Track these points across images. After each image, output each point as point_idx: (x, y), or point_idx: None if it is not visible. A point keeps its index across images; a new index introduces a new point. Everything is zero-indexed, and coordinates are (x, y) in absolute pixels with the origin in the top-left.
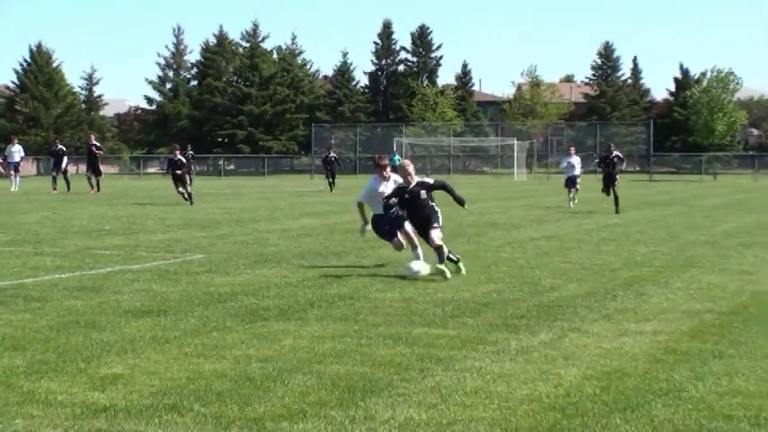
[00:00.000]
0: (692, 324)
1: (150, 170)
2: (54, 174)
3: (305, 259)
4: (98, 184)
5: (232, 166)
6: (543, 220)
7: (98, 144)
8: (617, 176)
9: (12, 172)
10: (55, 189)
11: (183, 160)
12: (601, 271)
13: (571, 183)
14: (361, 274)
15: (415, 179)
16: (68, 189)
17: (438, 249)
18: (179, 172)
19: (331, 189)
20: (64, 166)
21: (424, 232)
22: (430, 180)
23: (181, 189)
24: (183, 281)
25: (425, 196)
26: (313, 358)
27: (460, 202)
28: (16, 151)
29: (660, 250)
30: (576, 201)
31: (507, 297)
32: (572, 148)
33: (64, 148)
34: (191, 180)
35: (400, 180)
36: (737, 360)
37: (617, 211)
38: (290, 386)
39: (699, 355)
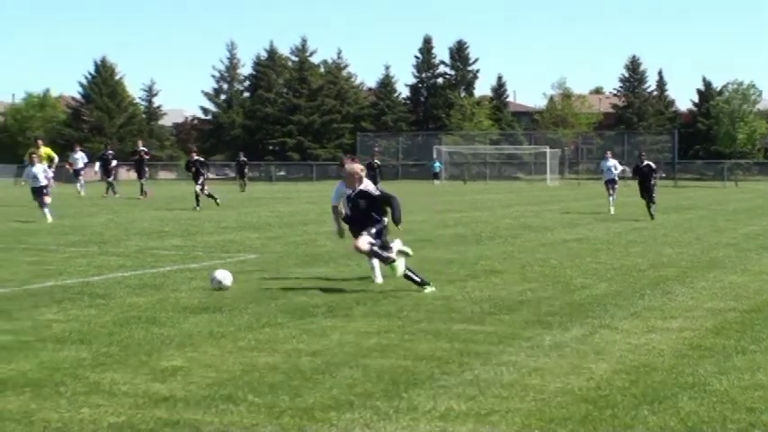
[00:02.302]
0: (715, 321)
1: (207, 176)
2: (107, 179)
3: (351, 259)
4: (141, 188)
5: (282, 173)
6: (575, 223)
7: (145, 149)
8: (653, 184)
9: (79, 177)
10: (108, 192)
11: (200, 161)
12: (629, 271)
13: (610, 185)
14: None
15: (360, 187)
16: (114, 193)
17: (368, 254)
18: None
19: None
20: (111, 170)
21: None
22: (376, 192)
23: (205, 191)
24: (238, 279)
25: (364, 206)
26: (359, 352)
27: (396, 221)
28: (79, 158)
29: (685, 252)
30: (613, 211)
31: (541, 295)
32: (608, 153)
33: (113, 153)
34: (203, 183)
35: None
36: (759, 355)
37: (651, 216)
38: (338, 378)
39: (722, 351)
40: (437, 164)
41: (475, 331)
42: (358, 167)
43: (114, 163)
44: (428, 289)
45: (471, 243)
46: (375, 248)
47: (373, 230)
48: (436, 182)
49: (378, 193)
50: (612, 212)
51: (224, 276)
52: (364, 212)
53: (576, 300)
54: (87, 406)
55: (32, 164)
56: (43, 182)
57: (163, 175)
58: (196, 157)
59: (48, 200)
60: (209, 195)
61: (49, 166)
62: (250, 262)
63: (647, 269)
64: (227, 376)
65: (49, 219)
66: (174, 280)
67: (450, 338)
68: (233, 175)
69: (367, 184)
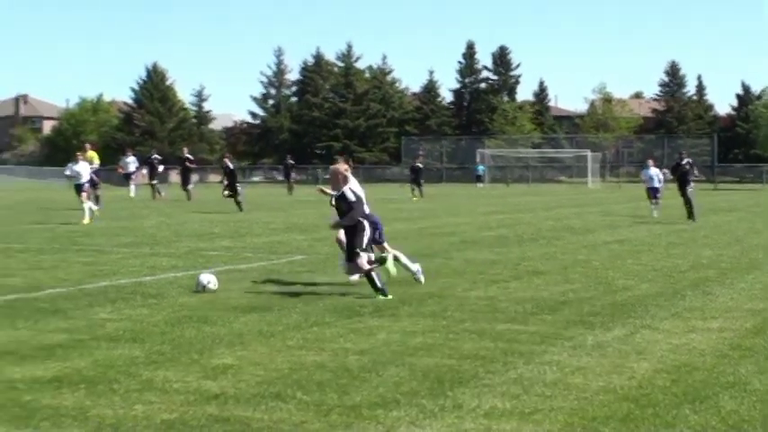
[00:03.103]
0: (755, 322)
1: (255, 179)
2: (151, 182)
3: (397, 260)
4: (188, 193)
5: (329, 176)
6: (616, 225)
7: (190, 157)
8: (691, 181)
9: (131, 180)
10: (156, 196)
11: (230, 167)
12: (670, 272)
13: (652, 193)
14: (448, 274)
15: (343, 189)
16: (159, 194)
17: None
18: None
19: (415, 196)
20: (157, 174)
21: (350, 244)
22: (352, 197)
23: (239, 198)
24: (286, 280)
25: (345, 209)
26: (405, 351)
27: (336, 223)
28: (131, 162)
29: (725, 253)
30: (657, 214)
31: (583, 296)
32: (650, 161)
33: (159, 157)
34: (234, 188)
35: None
36: None
37: (691, 218)
38: (385, 377)
39: (762, 351)
40: (480, 167)
41: (518, 331)
42: (342, 168)
43: (161, 168)
44: (381, 297)
45: (514, 244)
46: (373, 267)
47: (363, 243)
48: (479, 185)
49: (353, 199)
50: (656, 215)
51: (209, 280)
52: (344, 215)
53: (618, 300)
54: (140, 403)
55: (76, 161)
56: (85, 179)
57: (212, 178)
58: (228, 163)
59: (85, 196)
60: (231, 197)
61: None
62: (298, 263)
63: (687, 270)
64: (276, 374)
65: (86, 219)
66: (224, 280)
67: (494, 338)
68: (280, 178)
69: (347, 188)
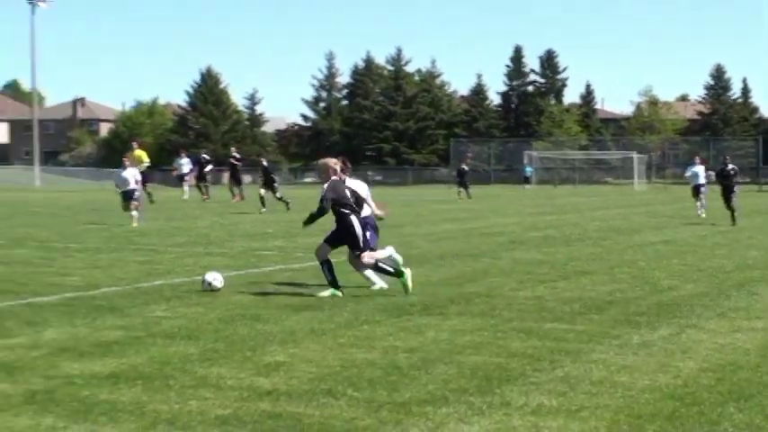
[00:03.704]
0: None
1: (307, 180)
2: (199, 182)
3: (445, 260)
4: (241, 193)
5: (379, 177)
6: (661, 226)
7: (238, 156)
8: (735, 188)
9: (185, 181)
10: (205, 194)
11: (265, 165)
12: (715, 273)
13: (696, 191)
14: (496, 273)
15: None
16: (205, 196)
17: (370, 267)
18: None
19: (461, 197)
20: (206, 174)
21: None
22: (323, 191)
23: (278, 194)
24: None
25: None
26: (453, 349)
27: (306, 220)
28: (185, 163)
29: None
30: (703, 214)
31: (629, 296)
32: (697, 158)
33: (207, 158)
34: (275, 188)
35: (353, 183)
36: None
37: (733, 224)
38: (434, 374)
39: None
40: (528, 168)
41: (565, 330)
42: (331, 162)
43: (209, 168)
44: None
45: (561, 245)
46: (380, 264)
47: (357, 250)
48: (527, 186)
49: (323, 193)
50: (703, 216)
51: (214, 278)
52: (334, 210)
53: (664, 300)
54: (195, 398)
55: (124, 167)
56: (132, 186)
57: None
58: (265, 164)
59: (134, 204)
60: (280, 199)
61: (140, 169)
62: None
63: (732, 271)
64: (328, 371)
65: (135, 223)
66: (276, 279)
67: (542, 337)
68: None
69: (327, 183)
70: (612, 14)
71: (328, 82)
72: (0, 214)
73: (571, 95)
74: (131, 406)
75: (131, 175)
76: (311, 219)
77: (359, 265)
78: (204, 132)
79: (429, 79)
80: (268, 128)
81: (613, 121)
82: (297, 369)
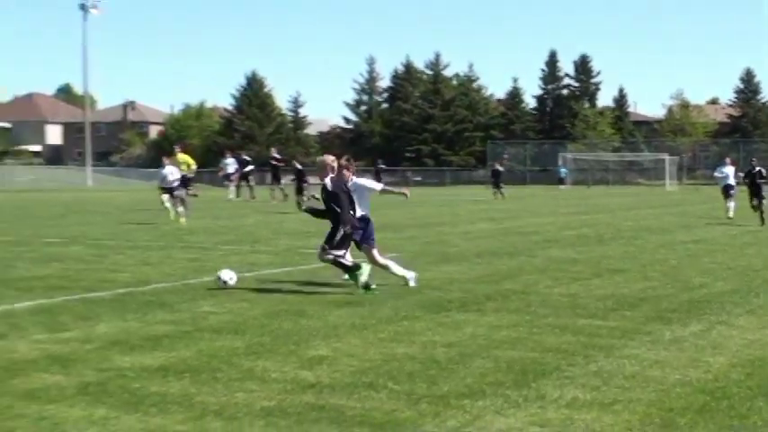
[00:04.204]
0: None
1: None
2: (245, 183)
3: (482, 258)
4: (283, 192)
5: (418, 178)
6: (692, 225)
7: (278, 156)
8: (762, 189)
9: (231, 181)
10: (248, 195)
11: (299, 168)
12: (744, 271)
13: (727, 191)
14: (531, 271)
15: (325, 180)
16: (250, 195)
17: (332, 264)
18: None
19: (496, 197)
20: (247, 174)
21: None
22: (329, 186)
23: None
24: (377, 276)
25: (324, 198)
26: (490, 344)
27: (342, 222)
28: (230, 163)
29: None
30: (732, 214)
31: (661, 293)
32: (727, 159)
33: (247, 158)
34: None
35: (360, 180)
36: None
37: (762, 224)
38: (471, 368)
39: None
40: (563, 170)
41: (599, 326)
42: (329, 159)
43: (249, 168)
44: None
45: (594, 244)
46: (339, 260)
47: (335, 239)
48: (561, 187)
49: (330, 188)
50: (731, 216)
51: (229, 276)
52: (327, 206)
53: (695, 297)
54: (241, 391)
55: (163, 166)
56: (172, 182)
57: (309, 179)
58: (299, 167)
59: (166, 198)
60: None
61: (188, 173)
62: None
63: (761, 269)
64: (369, 365)
65: (172, 215)
66: (319, 276)
67: (576, 332)
68: None
69: (327, 179)
70: (645, 20)
71: (369, 86)
72: (54, 213)
73: (604, 99)
74: (180, 398)
75: (170, 172)
76: (316, 213)
77: (322, 256)
78: (249, 134)
79: (466, 83)
80: (311, 130)
81: (645, 124)
82: (339, 363)
